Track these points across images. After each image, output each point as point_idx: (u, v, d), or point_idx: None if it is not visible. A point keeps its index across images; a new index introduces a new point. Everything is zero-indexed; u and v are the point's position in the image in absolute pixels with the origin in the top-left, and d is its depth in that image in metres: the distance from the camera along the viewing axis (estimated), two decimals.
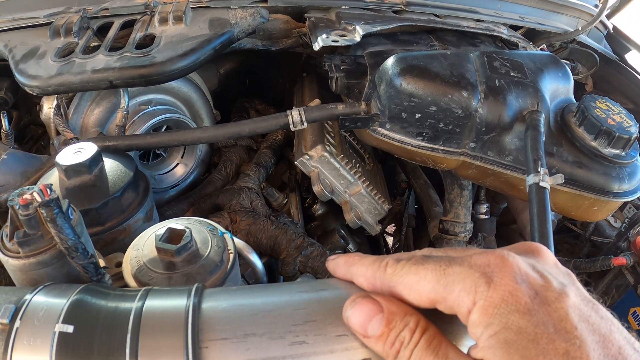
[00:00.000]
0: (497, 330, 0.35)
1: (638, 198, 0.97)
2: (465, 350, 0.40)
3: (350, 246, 1.21)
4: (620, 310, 1.27)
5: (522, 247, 0.43)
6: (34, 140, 1.35)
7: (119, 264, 0.66)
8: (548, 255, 0.42)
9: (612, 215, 1.33)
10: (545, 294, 0.36)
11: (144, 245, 0.63)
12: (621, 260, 1.16)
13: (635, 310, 1.21)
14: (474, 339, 0.38)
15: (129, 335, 0.41)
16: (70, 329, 0.41)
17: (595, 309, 0.37)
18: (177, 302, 0.44)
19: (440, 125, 0.89)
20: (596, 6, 1.53)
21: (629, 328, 0.39)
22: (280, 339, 0.42)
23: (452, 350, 0.39)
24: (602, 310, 0.38)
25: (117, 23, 1.05)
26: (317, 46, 0.98)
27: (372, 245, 1.42)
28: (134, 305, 0.44)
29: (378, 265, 0.44)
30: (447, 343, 0.39)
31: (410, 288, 0.41)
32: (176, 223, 0.64)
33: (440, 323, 0.41)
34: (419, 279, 0.40)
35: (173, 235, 0.62)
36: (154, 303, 0.45)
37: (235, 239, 0.70)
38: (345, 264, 0.48)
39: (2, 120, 1.05)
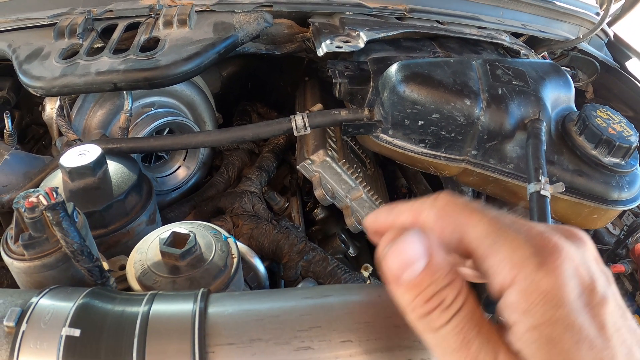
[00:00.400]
0: (540, 322, 0.32)
1: (637, 206, 0.97)
2: None
3: (351, 251, 1.21)
4: None
5: (567, 232, 0.37)
6: (35, 140, 1.35)
7: (123, 267, 0.66)
8: (592, 248, 0.37)
9: (611, 223, 1.33)
10: (590, 296, 0.33)
11: (148, 249, 0.63)
12: (619, 267, 1.17)
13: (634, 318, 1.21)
14: (507, 319, 0.34)
15: (136, 339, 0.41)
16: (77, 332, 0.41)
17: (625, 317, 0.35)
18: (184, 307, 0.44)
19: (443, 133, 0.89)
20: (597, 14, 1.54)
21: None
22: (285, 345, 0.42)
23: (493, 331, 0.34)
24: (629, 320, 0.35)
25: (122, 25, 1.05)
26: (321, 52, 0.99)
27: (373, 250, 1.41)
28: (141, 309, 0.44)
29: (429, 198, 0.38)
30: (486, 321, 0.34)
31: (455, 228, 0.36)
32: (180, 227, 0.64)
33: None
34: (470, 223, 0.35)
35: (177, 239, 0.62)
36: (160, 307, 0.45)
37: (238, 243, 0.70)
38: (388, 207, 0.42)
39: (5, 120, 1.05)
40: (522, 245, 0.33)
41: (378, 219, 0.43)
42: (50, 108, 1.08)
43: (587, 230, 1.35)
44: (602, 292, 0.34)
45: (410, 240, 0.35)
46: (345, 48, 0.99)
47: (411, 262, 0.34)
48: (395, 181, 1.51)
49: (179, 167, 1.24)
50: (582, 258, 0.35)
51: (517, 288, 0.33)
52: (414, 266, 0.34)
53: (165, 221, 0.91)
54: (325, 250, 1.07)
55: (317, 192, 1.08)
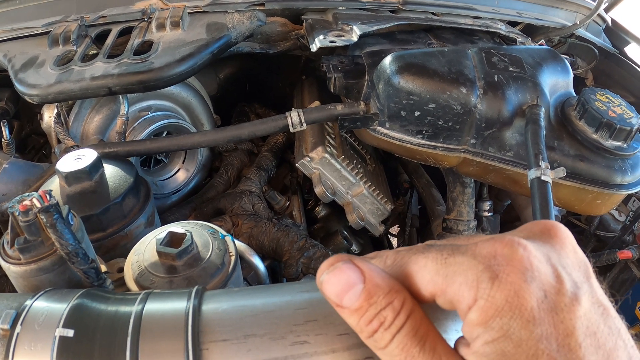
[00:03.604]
0: (495, 337, 0.31)
1: None
2: (451, 343, 0.36)
3: (354, 247, 1.21)
4: (627, 304, 1.26)
5: (536, 228, 0.37)
6: (36, 150, 1.36)
7: (121, 270, 0.66)
8: (565, 238, 0.36)
9: (617, 209, 1.32)
10: (555, 299, 0.32)
11: (145, 250, 0.63)
12: (627, 253, 1.15)
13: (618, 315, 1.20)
14: (468, 338, 0.33)
15: (129, 339, 0.41)
16: (70, 333, 0.41)
17: (604, 316, 0.33)
18: (177, 305, 0.44)
19: (440, 123, 0.89)
20: (594, 0, 1.53)
21: (637, 323, 0.36)
22: (281, 339, 0.41)
23: (441, 344, 0.34)
24: (610, 319, 0.33)
25: (115, 30, 1.06)
26: (314, 47, 0.98)
27: (376, 246, 1.41)
28: (134, 308, 0.44)
29: (378, 260, 0.39)
30: (435, 333, 0.34)
31: (410, 280, 0.36)
32: (177, 227, 0.64)
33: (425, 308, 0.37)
34: (418, 269, 0.36)
35: (174, 239, 0.62)
36: (154, 306, 0.44)
37: (236, 241, 0.70)
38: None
39: (3, 129, 1.05)
40: (472, 265, 0.33)
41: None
42: (49, 116, 1.09)
43: (593, 217, 1.34)
44: (571, 292, 0.32)
45: (344, 267, 0.36)
46: (339, 42, 0.98)
47: (348, 288, 0.35)
48: (397, 176, 1.50)
49: (178, 170, 1.24)
50: (545, 255, 0.33)
51: (476, 307, 0.32)
52: (351, 292, 0.35)
53: (166, 224, 0.91)
54: (327, 248, 1.06)
55: (318, 190, 1.07)
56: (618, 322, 0.34)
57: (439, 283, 0.34)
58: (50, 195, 0.53)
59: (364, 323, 0.35)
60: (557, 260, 0.34)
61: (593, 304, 0.33)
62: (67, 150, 0.99)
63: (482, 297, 0.32)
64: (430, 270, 0.35)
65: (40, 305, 0.45)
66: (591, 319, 0.32)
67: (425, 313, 0.35)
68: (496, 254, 0.33)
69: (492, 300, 0.31)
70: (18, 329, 0.42)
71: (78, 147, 0.99)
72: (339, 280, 0.35)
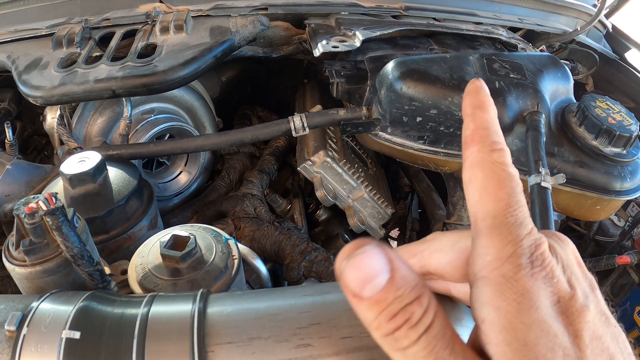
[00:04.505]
0: (514, 324, 0.30)
1: None
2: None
3: None
4: (625, 310, 1.26)
5: (553, 236, 0.36)
6: (38, 150, 1.36)
7: (125, 272, 0.66)
8: (575, 252, 0.36)
9: (616, 214, 1.32)
10: (568, 304, 0.32)
11: (149, 253, 0.63)
12: (625, 259, 1.16)
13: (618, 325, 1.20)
14: (476, 319, 0.32)
15: (135, 341, 0.41)
16: (77, 335, 0.42)
17: (607, 324, 0.34)
18: (183, 308, 0.44)
19: (441, 128, 0.89)
20: (594, 6, 1.54)
21: (635, 328, 0.37)
22: (285, 342, 0.42)
23: (467, 350, 0.32)
24: (613, 327, 0.34)
25: (119, 33, 1.06)
26: (317, 52, 0.99)
27: None
28: (140, 311, 0.44)
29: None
30: (458, 339, 0.32)
31: (433, 252, 0.36)
32: (180, 230, 0.64)
33: None
34: (445, 240, 0.35)
35: (178, 242, 0.62)
36: (159, 309, 0.45)
37: (239, 245, 0.70)
38: None
39: (7, 130, 1.05)
40: (517, 242, 0.32)
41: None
42: (51, 118, 1.09)
43: (592, 222, 1.35)
44: (582, 301, 0.33)
45: (370, 253, 0.31)
46: (342, 48, 0.99)
47: (372, 276, 0.31)
48: (398, 180, 1.51)
49: (181, 172, 1.25)
50: (566, 261, 0.34)
51: (492, 282, 0.31)
52: (375, 280, 0.30)
53: (168, 226, 0.91)
54: (328, 251, 1.07)
55: (319, 193, 1.08)
56: (618, 330, 0.34)
57: (484, 225, 0.33)
58: (56, 198, 0.54)
59: (385, 318, 0.30)
60: (571, 271, 0.34)
61: (598, 313, 0.34)
62: (70, 151, 1.00)
63: (505, 275, 0.31)
64: (491, 210, 0.33)
65: (47, 307, 0.45)
66: (597, 325, 0.33)
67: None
68: (538, 250, 0.32)
69: (514, 284, 0.31)
70: (24, 330, 0.43)
71: (81, 148, 1.00)
72: (365, 266, 0.31)
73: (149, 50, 1.00)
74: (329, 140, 1.11)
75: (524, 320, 0.30)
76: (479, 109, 0.37)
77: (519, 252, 0.32)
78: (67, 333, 0.42)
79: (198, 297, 0.46)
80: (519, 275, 0.31)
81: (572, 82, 1.01)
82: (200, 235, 0.65)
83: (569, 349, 0.31)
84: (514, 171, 0.35)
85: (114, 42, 1.03)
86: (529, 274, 0.31)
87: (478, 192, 0.34)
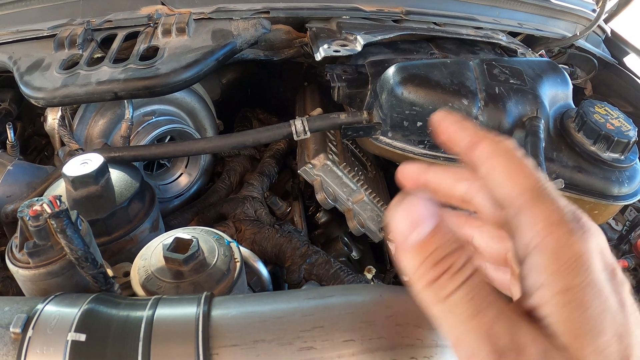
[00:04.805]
0: (571, 285, 0.31)
1: (639, 201, 0.97)
2: None
3: (354, 253, 1.22)
4: None
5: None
6: (38, 151, 1.36)
7: (127, 274, 0.67)
8: (605, 239, 0.37)
9: (614, 218, 1.33)
10: (614, 272, 0.33)
11: (152, 255, 0.64)
12: (623, 263, 1.17)
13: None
14: (531, 288, 0.32)
15: (140, 343, 0.42)
16: (82, 337, 0.42)
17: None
18: (188, 310, 0.45)
19: None
20: (594, 11, 1.55)
21: None
22: (288, 345, 0.43)
23: (507, 303, 0.32)
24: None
25: (121, 35, 1.06)
26: (319, 56, 0.99)
27: (376, 252, 1.42)
28: (145, 313, 0.45)
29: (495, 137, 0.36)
30: (499, 293, 0.32)
31: (503, 171, 0.34)
32: (183, 233, 0.65)
33: None
34: (514, 165, 0.34)
35: (180, 245, 0.63)
36: (164, 311, 0.45)
37: (241, 247, 0.71)
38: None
39: (8, 131, 1.06)
40: (561, 209, 0.32)
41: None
42: (52, 118, 1.09)
43: None
44: (621, 275, 0.33)
45: (418, 201, 0.33)
46: (343, 52, 0.99)
47: (419, 223, 0.32)
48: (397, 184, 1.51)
49: (181, 174, 1.25)
50: (603, 242, 0.34)
51: (547, 248, 0.31)
52: (422, 227, 0.32)
53: (169, 228, 0.92)
54: (328, 254, 1.07)
55: (319, 196, 1.08)
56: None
57: (524, 199, 0.33)
58: (61, 201, 0.54)
59: (429, 264, 0.31)
60: (608, 251, 0.35)
61: (631, 292, 0.34)
62: (71, 153, 1.00)
63: (559, 240, 0.31)
64: (528, 183, 0.33)
65: (52, 309, 0.46)
66: (632, 301, 0.33)
67: None
68: (582, 218, 0.32)
69: (569, 248, 0.31)
70: (30, 332, 0.43)
71: (82, 150, 1.00)
72: (412, 213, 0.32)
73: (151, 53, 1.00)
74: (329, 144, 1.12)
75: (580, 282, 0.31)
76: (460, 121, 0.38)
77: (568, 218, 0.32)
78: (72, 335, 0.42)
79: (202, 300, 0.46)
80: (573, 239, 0.31)
81: (571, 87, 1.01)
82: (203, 238, 0.66)
83: (617, 314, 0.31)
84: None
85: (116, 44, 1.03)
86: (582, 238, 0.31)
87: (504, 176, 0.34)
